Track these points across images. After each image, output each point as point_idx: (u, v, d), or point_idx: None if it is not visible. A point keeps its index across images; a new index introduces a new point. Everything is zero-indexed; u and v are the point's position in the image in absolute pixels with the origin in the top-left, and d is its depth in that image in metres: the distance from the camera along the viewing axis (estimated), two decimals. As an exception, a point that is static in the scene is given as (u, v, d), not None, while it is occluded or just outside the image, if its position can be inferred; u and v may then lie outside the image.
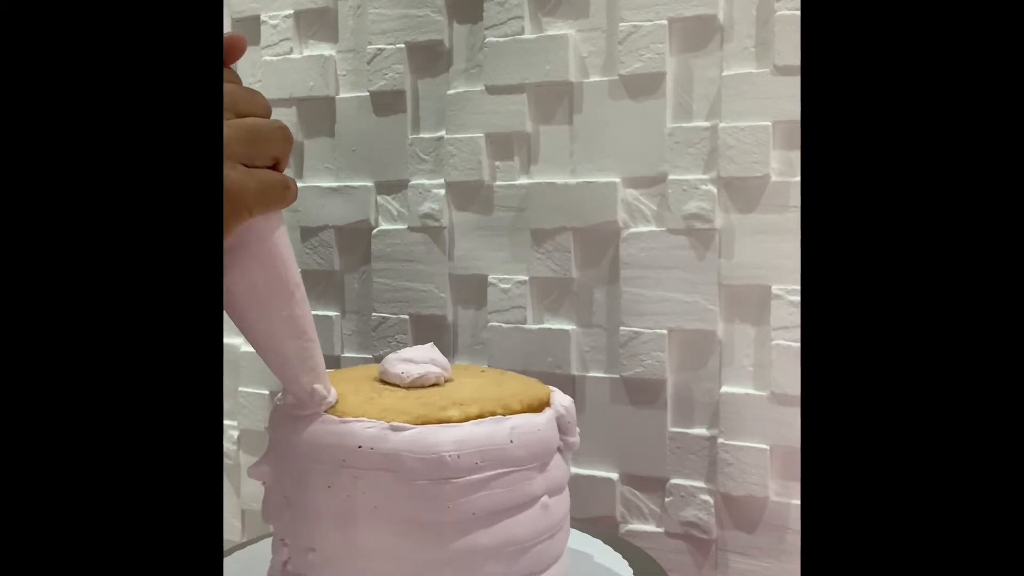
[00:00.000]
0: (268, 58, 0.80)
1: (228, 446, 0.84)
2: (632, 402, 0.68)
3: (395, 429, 0.43)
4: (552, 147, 0.70)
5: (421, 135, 0.75)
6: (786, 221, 0.62)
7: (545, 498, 0.46)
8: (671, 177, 0.65)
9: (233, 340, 0.83)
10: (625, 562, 0.55)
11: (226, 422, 0.84)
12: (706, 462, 0.66)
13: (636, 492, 0.69)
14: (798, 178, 0.62)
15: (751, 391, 0.64)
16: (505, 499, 0.44)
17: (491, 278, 0.72)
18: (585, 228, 0.69)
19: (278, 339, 0.42)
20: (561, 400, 0.49)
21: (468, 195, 0.73)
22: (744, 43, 0.63)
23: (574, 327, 0.70)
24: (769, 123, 0.62)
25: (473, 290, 0.74)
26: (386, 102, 0.76)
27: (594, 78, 0.68)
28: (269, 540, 0.58)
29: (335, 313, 0.79)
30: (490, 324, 0.72)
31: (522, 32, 0.69)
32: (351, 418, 0.44)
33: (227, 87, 0.37)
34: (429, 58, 0.74)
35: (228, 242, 0.38)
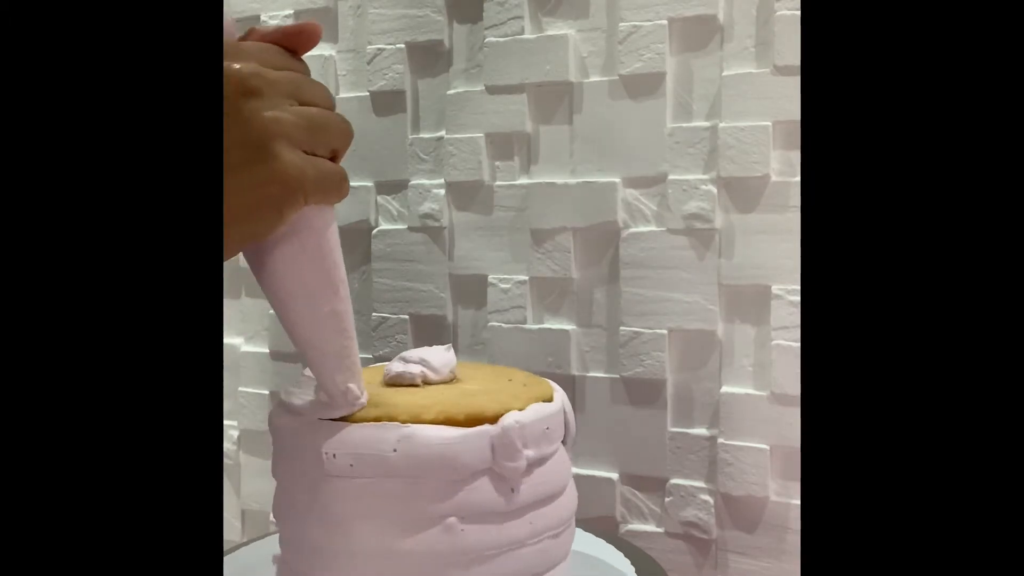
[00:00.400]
0: (268, 58, 0.80)
1: (228, 446, 0.84)
2: (632, 402, 0.68)
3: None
4: (552, 147, 0.70)
5: (421, 135, 0.75)
6: (786, 221, 0.62)
7: (453, 520, 0.42)
8: (671, 177, 0.65)
9: (233, 340, 0.83)
10: (627, 561, 0.55)
11: (226, 422, 0.84)
12: (706, 462, 0.66)
13: (636, 492, 0.69)
14: (798, 178, 0.62)
15: (751, 391, 0.64)
16: (384, 510, 0.42)
17: (491, 278, 0.72)
18: (585, 228, 0.69)
19: (319, 333, 0.41)
20: (516, 417, 0.43)
21: (468, 195, 0.73)
22: (744, 43, 0.63)
23: (574, 327, 0.70)
24: (769, 123, 0.62)
25: (473, 290, 0.74)
26: (386, 102, 0.76)
27: (594, 78, 0.68)
28: (269, 540, 0.58)
29: (335, 313, 0.79)
30: (490, 324, 0.72)
31: (522, 32, 0.69)
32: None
33: (293, 75, 0.37)
34: (429, 58, 0.74)
35: (281, 231, 0.37)
